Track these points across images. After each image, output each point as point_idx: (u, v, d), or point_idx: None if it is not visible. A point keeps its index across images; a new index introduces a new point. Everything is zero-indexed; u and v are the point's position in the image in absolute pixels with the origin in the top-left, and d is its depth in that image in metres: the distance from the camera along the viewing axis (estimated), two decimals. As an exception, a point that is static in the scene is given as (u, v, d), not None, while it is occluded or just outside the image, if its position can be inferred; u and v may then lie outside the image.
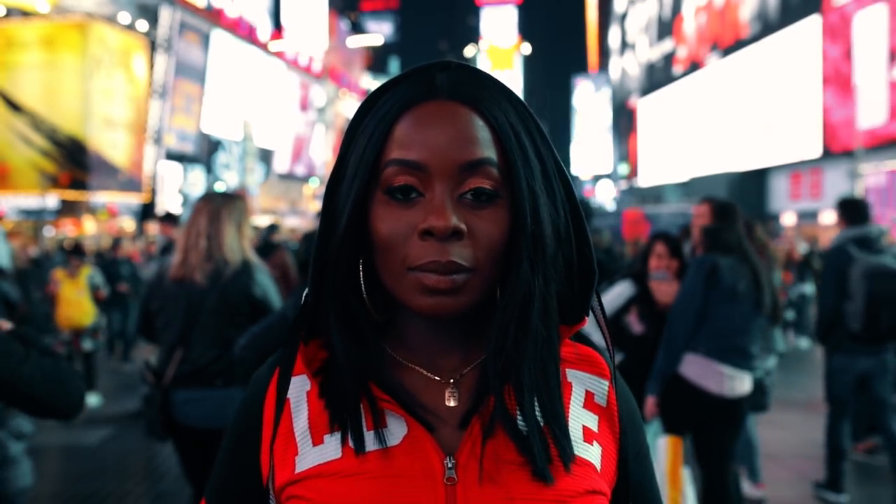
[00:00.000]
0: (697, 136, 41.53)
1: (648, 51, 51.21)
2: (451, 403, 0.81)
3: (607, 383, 0.86)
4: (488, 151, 0.76)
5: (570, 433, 0.80)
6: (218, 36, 31.16)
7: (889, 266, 4.55)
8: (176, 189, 28.87)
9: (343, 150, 0.81)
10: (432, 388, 0.82)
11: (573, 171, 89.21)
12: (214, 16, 30.91)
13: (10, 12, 24.06)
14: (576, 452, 0.80)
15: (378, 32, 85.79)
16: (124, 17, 25.66)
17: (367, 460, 0.77)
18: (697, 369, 3.55)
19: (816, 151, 29.25)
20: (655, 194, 44.29)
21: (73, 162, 24.39)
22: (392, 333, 0.85)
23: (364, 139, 0.78)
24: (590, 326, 0.89)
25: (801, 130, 30.18)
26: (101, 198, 24.84)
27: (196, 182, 30.39)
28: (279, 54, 38.08)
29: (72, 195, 24.03)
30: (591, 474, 0.80)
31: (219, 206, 3.21)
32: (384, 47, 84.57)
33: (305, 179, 42.64)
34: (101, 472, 4.82)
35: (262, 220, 22.67)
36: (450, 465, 0.77)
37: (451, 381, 0.82)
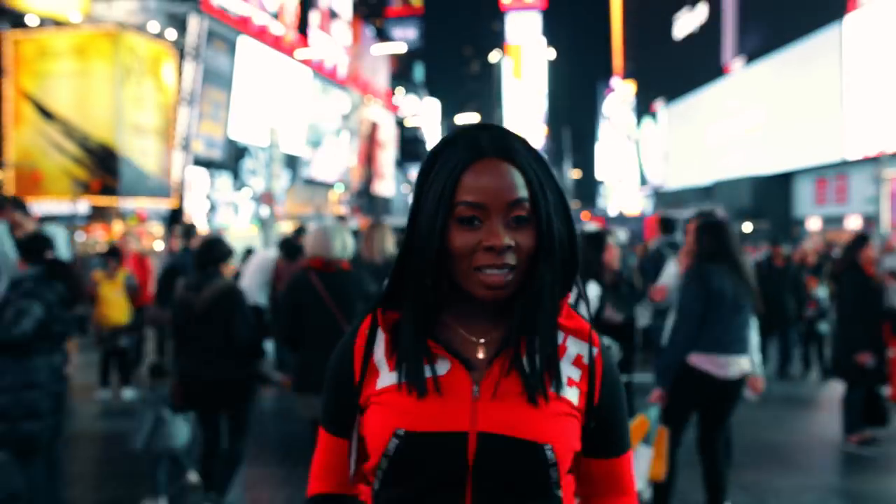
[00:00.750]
0: (722, 140, 41.42)
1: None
2: (481, 355, 1.23)
3: (588, 346, 1.28)
4: (523, 192, 1.17)
5: (560, 378, 1.22)
6: (244, 43, 31.60)
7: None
8: (203, 195, 29.33)
9: (418, 189, 1.21)
10: (470, 344, 1.24)
11: (598, 176, 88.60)
12: (241, 23, 31.38)
13: (44, 22, 24.64)
14: (560, 392, 1.21)
15: (403, 39, 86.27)
16: (154, 27, 26.18)
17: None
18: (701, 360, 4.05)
19: (841, 156, 29.11)
20: (679, 198, 44.19)
21: (104, 168, 24.86)
22: (454, 308, 1.25)
23: (439, 185, 1.17)
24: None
25: (826, 135, 30.04)
26: (130, 203, 25.34)
27: (223, 188, 30.85)
28: (305, 61, 38.54)
29: (102, 201, 24.53)
30: (569, 405, 1.22)
31: (383, 225, 5.98)
32: (409, 53, 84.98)
33: (331, 185, 43.05)
34: (135, 457, 5.10)
35: (287, 226, 22.99)
36: (475, 390, 1.18)
37: (482, 340, 1.24)
